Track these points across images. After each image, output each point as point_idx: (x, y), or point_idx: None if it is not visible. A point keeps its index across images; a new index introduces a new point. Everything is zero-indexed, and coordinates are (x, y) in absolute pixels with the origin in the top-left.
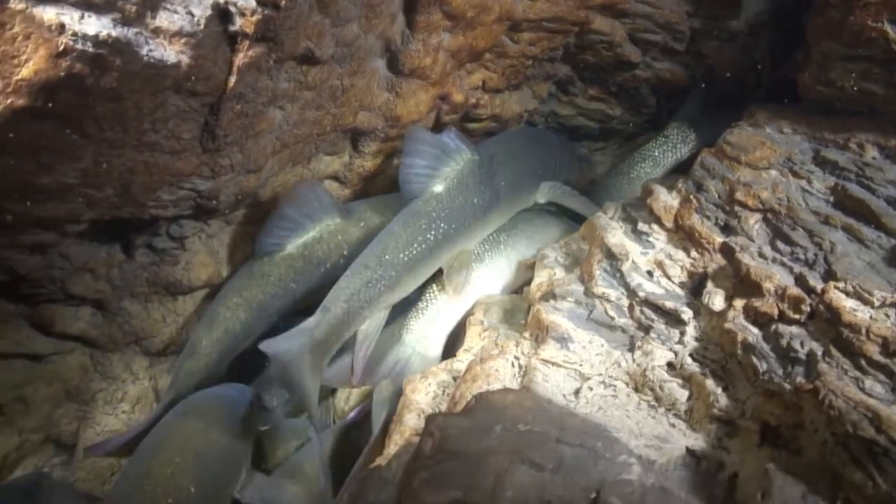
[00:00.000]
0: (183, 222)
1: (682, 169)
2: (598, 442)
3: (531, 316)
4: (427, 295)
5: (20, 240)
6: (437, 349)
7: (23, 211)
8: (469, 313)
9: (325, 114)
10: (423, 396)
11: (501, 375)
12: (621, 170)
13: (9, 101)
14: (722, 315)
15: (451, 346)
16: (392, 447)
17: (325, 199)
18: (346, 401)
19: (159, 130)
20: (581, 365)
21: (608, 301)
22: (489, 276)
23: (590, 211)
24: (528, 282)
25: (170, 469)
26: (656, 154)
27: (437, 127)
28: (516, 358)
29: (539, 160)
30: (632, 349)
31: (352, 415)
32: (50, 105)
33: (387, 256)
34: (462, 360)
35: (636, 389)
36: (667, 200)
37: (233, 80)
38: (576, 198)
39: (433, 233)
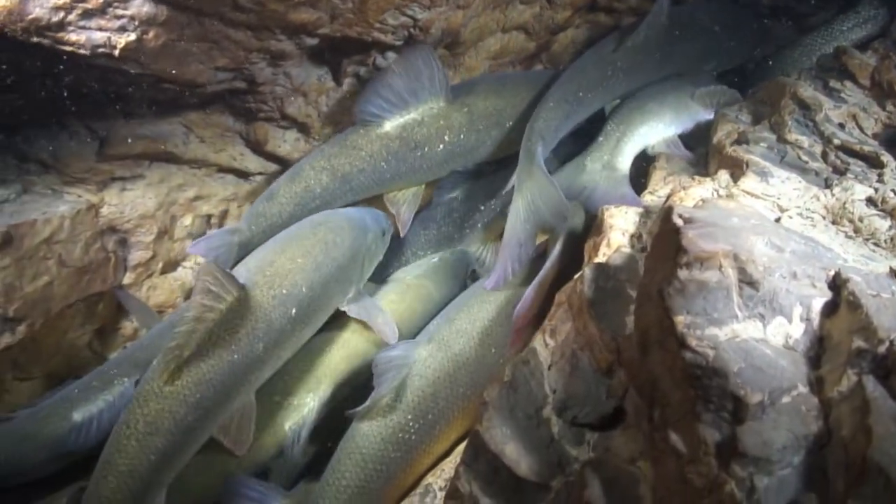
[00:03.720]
0: (388, 55)
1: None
2: (818, 245)
3: (724, 156)
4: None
5: (267, 45)
6: (626, 165)
7: (280, 13)
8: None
9: None
10: (623, 221)
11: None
12: (803, 43)
13: None
14: None
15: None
16: (601, 257)
17: (437, 76)
18: None
19: None
20: (779, 198)
21: (800, 148)
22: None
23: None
24: None
25: (291, 266)
26: (844, 28)
27: None
28: (715, 190)
29: (713, 47)
30: (829, 186)
31: None
32: None
33: (580, 94)
34: (648, 200)
35: (834, 222)
36: (863, 58)
37: None
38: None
39: (611, 81)
